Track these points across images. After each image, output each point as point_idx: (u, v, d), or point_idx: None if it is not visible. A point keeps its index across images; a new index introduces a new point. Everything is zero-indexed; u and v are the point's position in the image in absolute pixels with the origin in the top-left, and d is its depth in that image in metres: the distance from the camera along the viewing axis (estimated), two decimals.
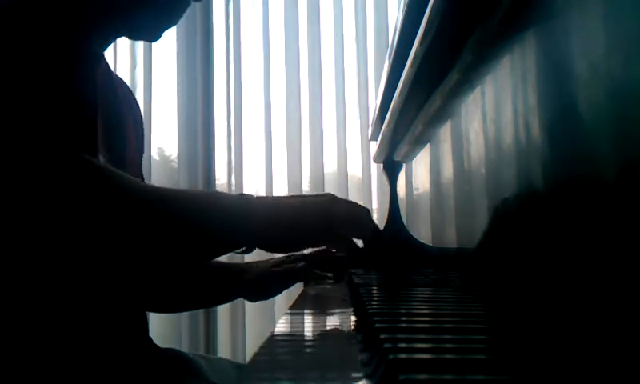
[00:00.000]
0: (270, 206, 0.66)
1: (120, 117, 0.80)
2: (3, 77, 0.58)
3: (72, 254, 0.56)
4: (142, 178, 0.88)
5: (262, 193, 1.85)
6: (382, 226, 1.25)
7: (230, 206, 0.63)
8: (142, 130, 0.91)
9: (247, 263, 1.00)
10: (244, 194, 0.65)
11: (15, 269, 0.58)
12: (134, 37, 0.81)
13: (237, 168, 1.84)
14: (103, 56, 0.78)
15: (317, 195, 0.70)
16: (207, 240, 0.62)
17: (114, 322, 0.71)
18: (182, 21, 1.61)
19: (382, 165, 1.31)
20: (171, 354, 0.88)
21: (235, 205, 0.63)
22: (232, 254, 0.73)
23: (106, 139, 0.73)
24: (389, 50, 1.13)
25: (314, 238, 0.68)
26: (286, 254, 0.94)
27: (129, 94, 0.89)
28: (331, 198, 0.69)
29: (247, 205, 0.63)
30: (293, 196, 0.73)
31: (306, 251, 0.87)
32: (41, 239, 0.55)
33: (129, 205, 0.57)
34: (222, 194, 0.66)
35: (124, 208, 0.57)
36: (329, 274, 0.90)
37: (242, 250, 0.70)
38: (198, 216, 0.61)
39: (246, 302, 1.77)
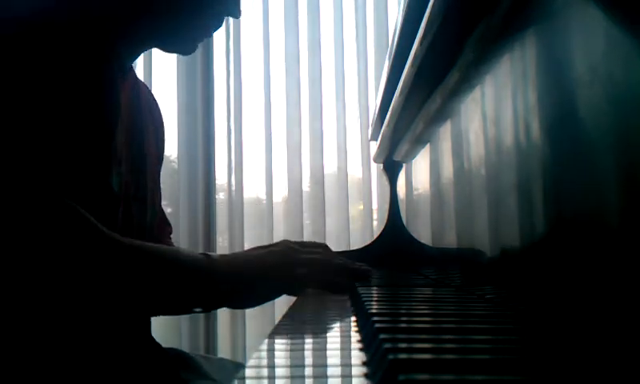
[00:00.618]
0: (228, 260, 0.69)
1: (142, 125, 0.80)
2: (24, 92, 0.59)
3: (51, 285, 0.60)
4: (160, 188, 0.90)
5: (262, 193, 1.85)
6: (382, 226, 1.25)
7: (190, 262, 0.67)
8: (163, 137, 0.92)
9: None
10: (205, 253, 0.70)
11: (14, 275, 0.59)
12: (166, 50, 0.79)
13: (237, 168, 1.84)
14: (131, 67, 0.78)
15: (274, 244, 0.75)
16: (165, 296, 0.66)
17: (117, 321, 0.71)
18: None
19: (382, 165, 1.31)
20: (173, 354, 0.88)
21: (195, 261, 0.67)
22: None
23: (130, 153, 0.73)
24: (389, 49, 1.13)
25: (277, 286, 0.72)
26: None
27: (152, 101, 0.89)
28: (286, 244, 0.74)
29: (208, 261, 0.67)
30: (252, 249, 0.77)
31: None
32: (23, 271, 0.59)
33: (101, 252, 0.61)
34: (183, 252, 0.70)
35: (96, 254, 0.61)
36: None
37: (199, 310, 0.74)
38: (158, 271, 0.64)
39: None
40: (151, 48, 0.79)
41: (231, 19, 1.86)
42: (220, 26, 0.76)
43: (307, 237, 1.79)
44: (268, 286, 0.71)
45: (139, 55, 0.79)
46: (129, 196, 0.74)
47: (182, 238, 1.73)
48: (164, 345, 0.85)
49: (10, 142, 0.58)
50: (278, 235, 1.80)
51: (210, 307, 0.76)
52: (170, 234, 0.97)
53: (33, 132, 0.59)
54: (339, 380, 0.33)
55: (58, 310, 0.63)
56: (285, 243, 0.75)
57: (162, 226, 0.94)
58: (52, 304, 0.61)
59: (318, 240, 1.54)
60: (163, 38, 0.75)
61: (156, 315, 0.88)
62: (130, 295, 0.64)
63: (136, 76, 0.81)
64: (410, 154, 1.09)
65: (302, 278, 0.71)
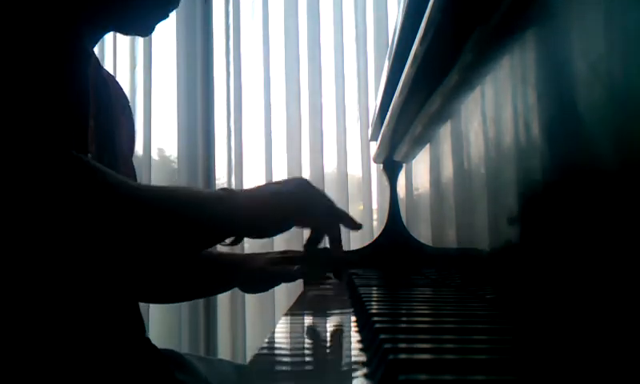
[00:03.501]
0: (248, 192, 0.70)
1: (111, 113, 0.80)
2: None
3: (63, 247, 0.57)
4: (135, 174, 0.89)
5: None
6: (381, 226, 1.25)
7: (211, 196, 0.66)
8: (133, 125, 0.91)
9: (245, 255, 1.02)
10: (224, 188, 0.69)
11: (10, 266, 0.58)
12: (125, 31, 0.80)
13: (237, 168, 1.84)
14: (93, 52, 0.78)
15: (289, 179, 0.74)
16: (193, 232, 0.65)
17: (111, 321, 0.71)
18: (182, 21, 1.63)
19: (382, 165, 1.31)
20: (168, 354, 0.88)
21: (216, 195, 0.66)
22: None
23: (98, 136, 0.73)
24: (389, 50, 1.13)
25: (294, 209, 0.71)
26: (283, 251, 0.96)
27: (119, 89, 0.89)
28: (302, 180, 0.74)
29: (228, 194, 0.66)
30: (267, 183, 0.77)
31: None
32: (32, 235, 0.55)
33: (119, 202, 0.59)
34: (201, 190, 0.69)
35: (114, 205, 0.58)
36: (329, 274, 0.90)
37: (228, 241, 0.74)
38: (183, 211, 0.63)
39: (246, 302, 1.77)
40: (110, 31, 0.79)
41: (231, 20, 1.87)
42: (177, 6, 0.77)
43: (307, 236, 1.79)
44: (282, 212, 0.71)
45: (99, 39, 0.79)
46: None
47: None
48: (163, 345, 0.85)
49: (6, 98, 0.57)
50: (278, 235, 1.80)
51: (230, 237, 0.76)
52: None
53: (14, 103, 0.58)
54: (340, 380, 0.33)
55: (59, 291, 0.62)
56: (299, 178, 0.76)
57: None
58: (62, 273, 0.60)
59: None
60: (123, 22, 0.76)
61: (177, 259, 0.86)
62: (153, 237, 0.63)
63: (99, 63, 0.81)
64: (410, 154, 1.09)
65: (310, 210, 0.72)
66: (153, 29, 0.77)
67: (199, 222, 0.64)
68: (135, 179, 0.89)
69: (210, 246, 0.74)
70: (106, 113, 0.78)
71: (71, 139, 0.65)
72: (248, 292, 1.03)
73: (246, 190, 0.71)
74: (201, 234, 0.65)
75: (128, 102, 0.91)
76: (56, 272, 0.59)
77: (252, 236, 0.73)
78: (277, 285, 0.97)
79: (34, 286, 0.61)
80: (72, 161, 0.57)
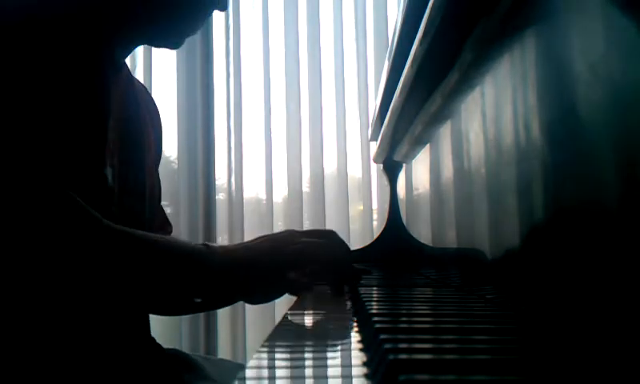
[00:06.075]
0: (227, 248, 0.70)
1: (140, 124, 0.80)
2: (13, 87, 0.59)
3: (51, 276, 0.60)
4: (159, 185, 0.90)
5: (262, 193, 1.85)
6: (382, 226, 1.25)
7: (185, 250, 0.67)
8: (161, 136, 0.92)
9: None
10: (197, 244, 0.68)
11: (14, 273, 0.59)
12: (155, 44, 0.82)
13: (237, 168, 1.84)
14: (124, 64, 0.79)
15: (278, 232, 0.74)
16: (159, 285, 0.66)
17: (115, 320, 0.71)
18: None
19: (382, 165, 1.31)
20: (173, 354, 0.88)
21: (191, 249, 0.67)
22: None
23: (124, 147, 0.74)
24: (389, 50, 1.13)
25: (273, 275, 0.70)
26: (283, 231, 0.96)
27: (150, 101, 0.90)
28: (290, 232, 0.73)
29: (199, 254, 0.66)
30: (256, 238, 0.75)
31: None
32: (25, 262, 0.59)
33: (101, 241, 0.61)
34: (179, 241, 0.70)
35: (97, 244, 0.61)
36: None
37: (197, 300, 0.74)
38: (153, 263, 0.64)
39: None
40: (142, 44, 0.80)
41: (231, 20, 1.87)
42: (206, 20, 0.78)
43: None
44: (263, 271, 0.69)
45: (131, 51, 0.80)
46: (124, 189, 0.74)
47: (182, 238, 1.73)
48: (164, 345, 0.85)
49: (4, 135, 0.58)
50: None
51: (210, 298, 0.75)
52: (170, 233, 0.97)
53: (26, 124, 0.59)
54: (340, 380, 0.33)
55: (54, 303, 0.63)
56: (289, 231, 0.75)
57: (164, 226, 0.94)
58: (48, 296, 0.62)
59: None
60: (155, 35, 0.77)
61: (155, 309, 0.87)
62: (125, 283, 0.64)
63: (130, 73, 0.82)
64: (410, 154, 1.09)
65: (293, 261, 0.70)
66: (182, 42, 0.78)
67: (167, 274, 0.65)
68: (160, 191, 0.90)
69: (180, 299, 0.76)
70: (135, 123, 0.78)
71: (85, 152, 0.66)
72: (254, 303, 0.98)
73: (226, 250, 0.70)
74: (166, 286, 0.66)
75: (158, 113, 0.91)
76: (54, 286, 0.61)
77: (240, 298, 0.73)
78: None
79: (37, 288, 0.61)
80: (62, 200, 0.58)
